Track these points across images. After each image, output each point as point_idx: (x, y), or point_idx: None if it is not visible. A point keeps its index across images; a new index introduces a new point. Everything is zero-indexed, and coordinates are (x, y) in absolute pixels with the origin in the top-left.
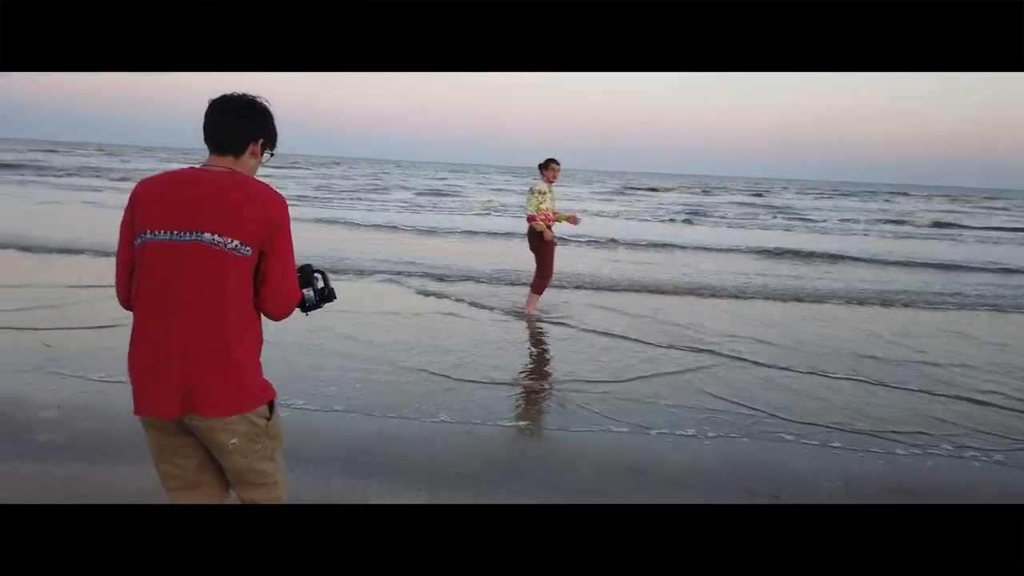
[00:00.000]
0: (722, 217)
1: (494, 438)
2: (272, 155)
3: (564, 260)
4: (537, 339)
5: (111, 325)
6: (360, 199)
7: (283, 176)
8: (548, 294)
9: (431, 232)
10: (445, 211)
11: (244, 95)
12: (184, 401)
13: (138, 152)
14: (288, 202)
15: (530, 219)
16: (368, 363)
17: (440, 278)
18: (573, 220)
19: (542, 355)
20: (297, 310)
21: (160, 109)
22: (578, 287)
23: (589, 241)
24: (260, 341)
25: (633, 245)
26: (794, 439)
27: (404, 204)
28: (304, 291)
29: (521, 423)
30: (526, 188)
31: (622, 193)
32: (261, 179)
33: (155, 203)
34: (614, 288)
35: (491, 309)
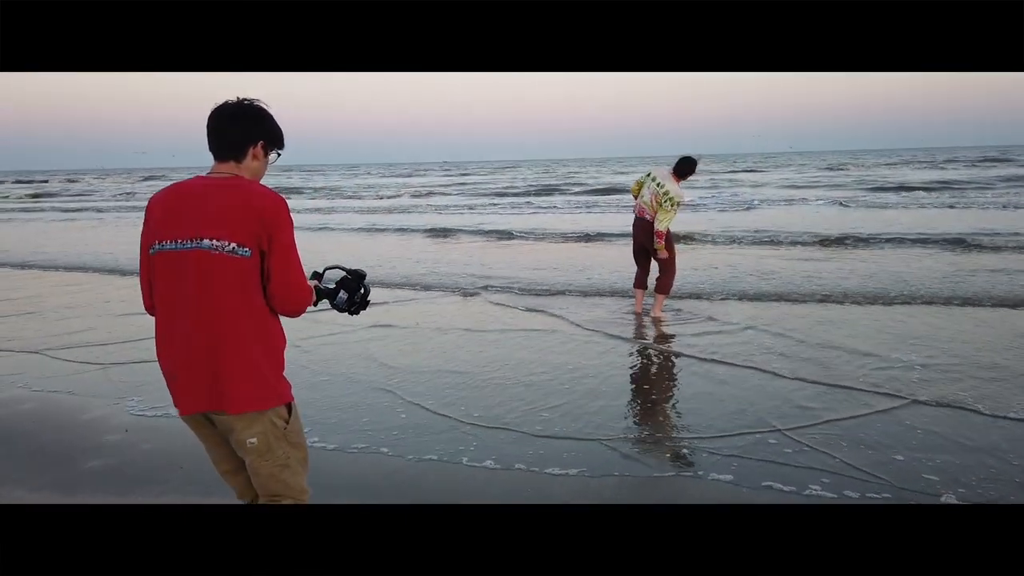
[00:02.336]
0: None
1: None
2: (279, 155)
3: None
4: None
5: None
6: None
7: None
8: (698, 308)
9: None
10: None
11: (240, 99)
12: (208, 396)
13: None
14: (285, 204)
15: (658, 235)
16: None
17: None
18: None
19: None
20: (336, 311)
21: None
22: (725, 297)
23: (757, 236)
24: (277, 338)
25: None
26: None
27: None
28: (340, 293)
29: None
30: (660, 188)
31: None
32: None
33: (162, 214)
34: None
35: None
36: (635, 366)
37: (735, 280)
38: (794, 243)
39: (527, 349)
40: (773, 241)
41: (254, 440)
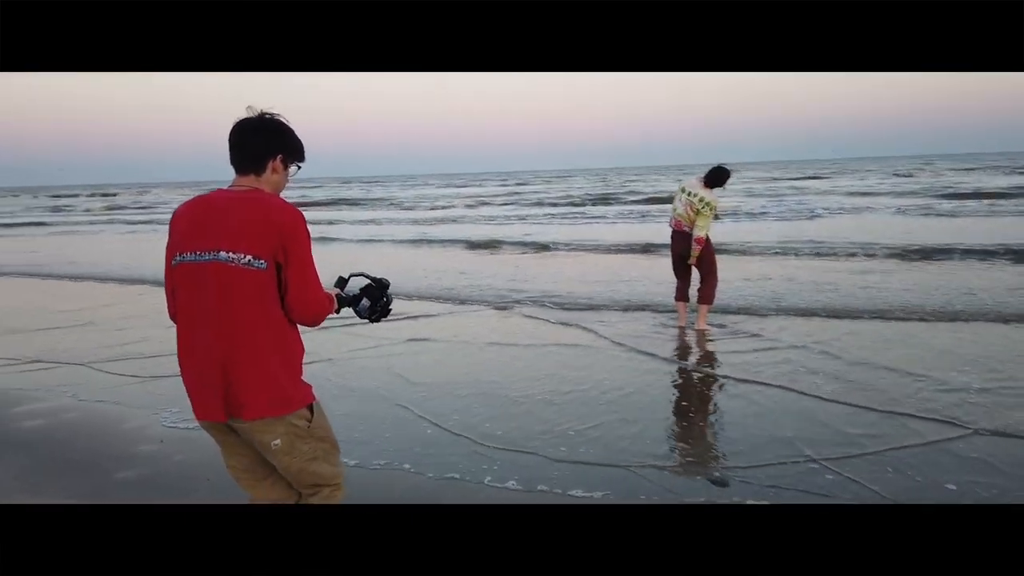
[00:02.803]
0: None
1: None
2: (299, 168)
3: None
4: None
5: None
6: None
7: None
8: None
9: None
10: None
11: (261, 114)
12: (225, 406)
13: None
14: (302, 218)
15: (698, 241)
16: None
17: None
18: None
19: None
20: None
21: None
22: (767, 313)
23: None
24: (295, 346)
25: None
26: None
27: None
28: (363, 300)
29: None
30: (693, 197)
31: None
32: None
33: (184, 227)
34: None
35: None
36: (667, 385)
37: (788, 294)
38: (854, 254)
39: (560, 365)
40: (834, 252)
41: (278, 442)
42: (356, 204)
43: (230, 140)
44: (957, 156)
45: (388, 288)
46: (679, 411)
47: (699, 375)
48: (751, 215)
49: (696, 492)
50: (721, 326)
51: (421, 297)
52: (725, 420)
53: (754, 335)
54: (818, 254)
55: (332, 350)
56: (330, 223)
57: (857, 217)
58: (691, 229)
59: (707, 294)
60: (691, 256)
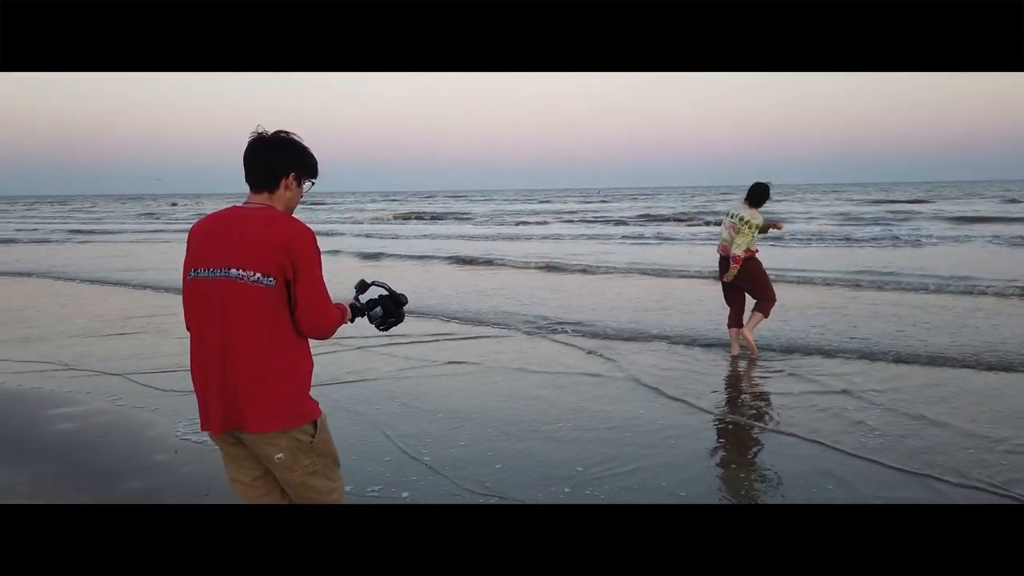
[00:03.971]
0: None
1: None
2: (313, 184)
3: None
4: None
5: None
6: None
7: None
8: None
9: None
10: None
11: (275, 133)
12: (228, 418)
13: None
14: (312, 235)
15: (736, 260)
16: None
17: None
18: (778, 226)
19: None
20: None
21: None
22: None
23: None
24: (303, 362)
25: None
26: None
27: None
28: (376, 308)
29: None
30: (735, 218)
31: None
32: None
33: (198, 243)
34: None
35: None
36: (681, 432)
37: (852, 329)
38: (950, 289)
39: (578, 397)
40: (930, 287)
41: (281, 456)
42: (441, 219)
43: (244, 159)
44: None
45: (404, 306)
46: (681, 462)
47: (717, 419)
48: (848, 241)
49: None
50: (768, 362)
51: (490, 322)
52: (730, 476)
53: (797, 375)
54: (910, 288)
55: (355, 369)
56: (394, 236)
57: (961, 247)
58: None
59: (763, 307)
60: (729, 273)
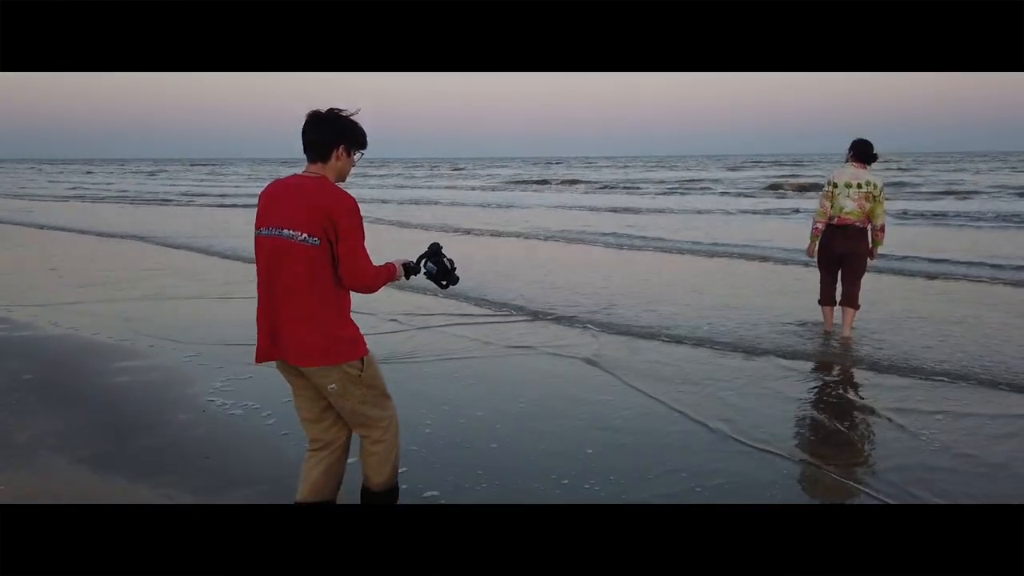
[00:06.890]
0: None
1: None
2: (362, 155)
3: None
4: None
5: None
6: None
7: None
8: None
9: None
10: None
11: (328, 109)
12: (286, 353)
13: None
14: (353, 202)
15: (882, 230)
16: None
17: None
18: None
19: None
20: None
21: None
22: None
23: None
24: (345, 308)
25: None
26: None
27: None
28: (427, 264)
29: None
30: (867, 186)
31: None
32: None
33: (264, 205)
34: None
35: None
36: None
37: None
38: None
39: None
40: None
41: (334, 386)
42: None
43: (302, 133)
44: None
45: (441, 249)
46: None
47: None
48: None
49: None
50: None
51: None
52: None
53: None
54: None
55: (413, 350)
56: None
57: None
58: (863, 224)
59: (854, 296)
60: (877, 246)
